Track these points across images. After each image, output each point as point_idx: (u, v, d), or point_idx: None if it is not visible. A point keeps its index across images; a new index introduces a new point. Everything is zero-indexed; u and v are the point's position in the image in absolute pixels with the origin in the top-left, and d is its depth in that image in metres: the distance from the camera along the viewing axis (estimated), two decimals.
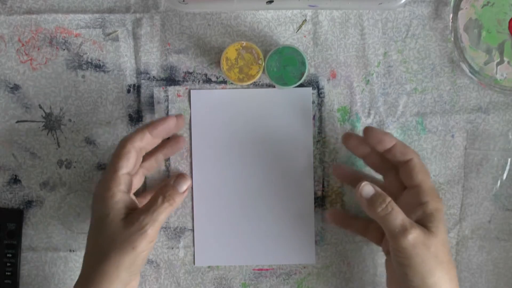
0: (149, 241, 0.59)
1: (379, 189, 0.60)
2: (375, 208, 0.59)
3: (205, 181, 0.70)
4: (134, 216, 0.59)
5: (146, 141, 0.63)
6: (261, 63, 0.67)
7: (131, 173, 0.62)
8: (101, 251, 0.58)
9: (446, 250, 0.59)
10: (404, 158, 0.62)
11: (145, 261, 0.64)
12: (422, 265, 0.57)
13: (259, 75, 0.67)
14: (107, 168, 0.62)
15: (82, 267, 0.61)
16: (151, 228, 0.59)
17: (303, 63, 0.67)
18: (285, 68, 0.67)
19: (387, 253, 0.64)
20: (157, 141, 0.65)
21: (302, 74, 0.67)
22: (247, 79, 0.67)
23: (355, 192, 0.60)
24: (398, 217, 0.58)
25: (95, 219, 0.61)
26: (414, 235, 0.57)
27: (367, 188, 0.60)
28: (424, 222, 0.59)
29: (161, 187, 0.62)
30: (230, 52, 0.66)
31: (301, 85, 0.70)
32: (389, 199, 0.59)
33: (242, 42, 0.67)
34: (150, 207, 0.60)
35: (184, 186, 0.63)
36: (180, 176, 0.64)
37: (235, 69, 0.67)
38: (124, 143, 0.62)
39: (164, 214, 0.60)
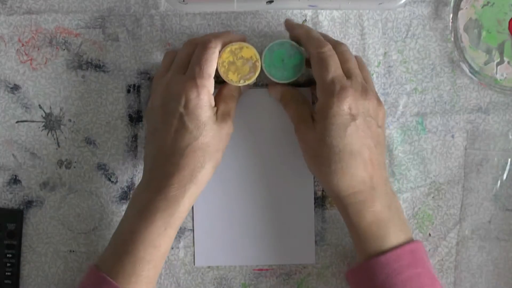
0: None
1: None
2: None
3: None
4: None
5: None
6: (258, 64, 0.66)
7: None
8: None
9: None
10: (308, 50, 0.63)
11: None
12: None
13: (256, 75, 0.66)
14: (196, 69, 0.61)
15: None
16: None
17: (300, 55, 0.66)
18: (283, 62, 0.67)
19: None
20: None
21: (301, 66, 0.66)
22: (246, 80, 0.66)
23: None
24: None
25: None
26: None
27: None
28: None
29: None
30: (225, 55, 0.65)
31: (301, 85, 0.70)
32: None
33: (237, 43, 0.66)
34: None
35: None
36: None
37: (232, 71, 0.66)
38: (213, 48, 0.61)
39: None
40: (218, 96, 0.65)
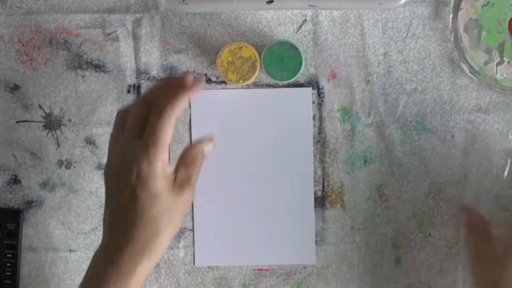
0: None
1: None
2: None
3: (204, 181, 0.70)
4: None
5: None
6: (257, 64, 0.67)
7: None
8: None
9: None
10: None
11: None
12: None
13: (255, 75, 0.67)
14: (150, 137, 0.56)
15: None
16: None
17: (299, 55, 0.67)
18: (282, 62, 0.67)
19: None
20: None
21: (299, 67, 0.67)
22: (245, 80, 0.67)
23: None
24: None
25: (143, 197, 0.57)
26: None
27: None
28: None
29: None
30: (224, 55, 0.66)
31: (301, 85, 0.70)
32: None
33: (235, 43, 0.66)
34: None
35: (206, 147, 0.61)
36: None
37: (231, 71, 0.67)
38: (170, 115, 0.57)
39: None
40: (180, 160, 0.60)
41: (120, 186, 0.57)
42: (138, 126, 0.58)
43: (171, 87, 0.59)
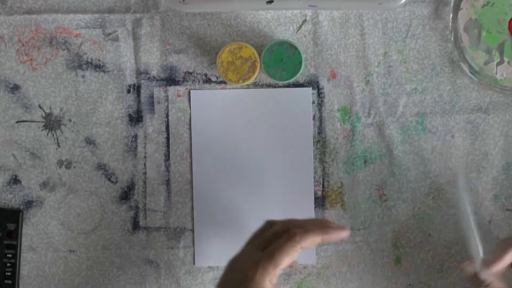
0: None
1: None
2: None
3: (205, 181, 0.70)
4: None
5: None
6: (256, 64, 0.67)
7: None
8: None
9: None
10: None
11: None
12: None
13: (255, 75, 0.67)
14: (268, 254, 0.57)
15: None
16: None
17: (299, 55, 0.67)
18: (282, 62, 0.67)
19: None
20: None
21: (299, 67, 0.67)
22: (245, 80, 0.67)
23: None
24: None
25: None
26: None
27: None
28: None
29: None
30: (224, 55, 0.66)
31: (301, 85, 0.70)
32: None
33: (235, 43, 0.67)
34: None
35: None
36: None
37: (231, 71, 0.67)
38: (296, 244, 0.58)
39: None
40: None
41: (226, 279, 0.59)
42: (266, 241, 0.59)
43: (314, 224, 0.60)
